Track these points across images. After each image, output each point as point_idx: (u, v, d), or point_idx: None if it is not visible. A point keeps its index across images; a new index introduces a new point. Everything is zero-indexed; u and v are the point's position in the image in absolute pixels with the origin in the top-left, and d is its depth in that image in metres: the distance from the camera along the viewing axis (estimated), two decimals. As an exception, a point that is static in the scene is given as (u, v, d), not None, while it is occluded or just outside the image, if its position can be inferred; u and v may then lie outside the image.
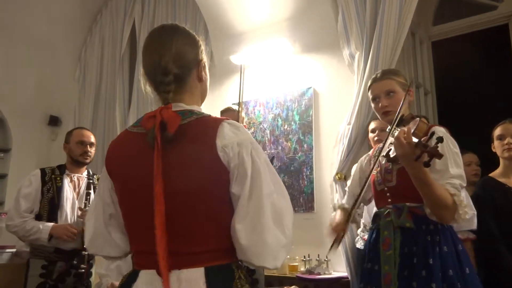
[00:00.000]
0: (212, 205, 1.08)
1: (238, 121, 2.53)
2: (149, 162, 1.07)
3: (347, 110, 3.19)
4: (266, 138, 3.71)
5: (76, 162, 2.78)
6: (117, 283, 2.18)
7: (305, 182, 3.44)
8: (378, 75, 1.84)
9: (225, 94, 4.00)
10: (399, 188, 1.68)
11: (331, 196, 3.26)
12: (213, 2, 3.87)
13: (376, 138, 2.78)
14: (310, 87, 3.54)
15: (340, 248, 3.07)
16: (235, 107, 2.72)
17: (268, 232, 1.04)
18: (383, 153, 1.74)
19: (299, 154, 3.52)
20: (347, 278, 2.99)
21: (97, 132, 4.71)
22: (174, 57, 1.14)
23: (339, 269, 3.12)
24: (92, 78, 5.04)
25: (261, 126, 3.74)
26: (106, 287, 2.29)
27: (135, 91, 4.55)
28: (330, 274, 3.09)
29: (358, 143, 3.12)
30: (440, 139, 1.37)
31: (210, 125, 1.12)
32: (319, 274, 3.04)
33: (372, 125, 2.90)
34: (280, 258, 1.07)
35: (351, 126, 3.11)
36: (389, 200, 1.72)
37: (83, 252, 2.58)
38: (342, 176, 3.16)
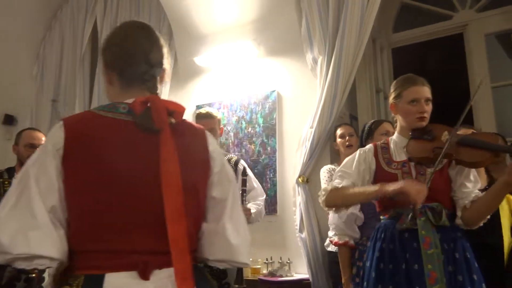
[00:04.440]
0: (198, 204, 1.11)
1: (216, 126, 2.54)
2: (144, 150, 1.03)
3: (310, 114, 3.24)
4: (230, 141, 3.70)
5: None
6: None
7: (269, 185, 3.45)
8: (415, 79, 1.86)
9: (189, 95, 3.96)
10: (432, 190, 1.70)
11: (293, 199, 3.29)
12: (177, 2, 3.82)
13: (347, 144, 2.87)
14: (274, 90, 3.57)
15: (302, 250, 3.11)
16: (215, 113, 2.69)
17: (246, 231, 1.15)
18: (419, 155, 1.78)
19: (263, 157, 3.53)
20: (309, 280, 3.02)
21: (56, 133, 4.56)
22: (161, 52, 1.17)
23: (301, 271, 3.15)
24: (50, 77, 4.87)
25: (225, 129, 3.73)
26: None
27: (96, 91, 4.43)
28: (292, 276, 3.11)
29: (320, 146, 3.18)
30: None
31: (197, 127, 1.19)
32: (281, 276, 3.06)
33: (340, 131, 2.97)
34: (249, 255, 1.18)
35: (314, 129, 3.16)
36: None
37: None
38: (304, 179, 3.20)
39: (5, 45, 4.76)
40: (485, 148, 1.70)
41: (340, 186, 1.85)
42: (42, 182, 0.96)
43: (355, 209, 2.44)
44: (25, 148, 2.65)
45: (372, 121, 2.68)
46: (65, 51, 4.87)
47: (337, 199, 1.84)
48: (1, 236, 0.91)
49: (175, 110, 1.09)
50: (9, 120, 4.93)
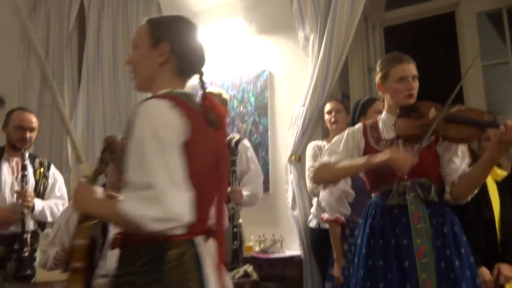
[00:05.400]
0: None
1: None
2: (212, 138, 1.22)
3: (302, 92, 3.22)
4: (222, 120, 3.68)
5: (14, 146, 2.60)
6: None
7: (261, 163, 3.44)
8: (401, 57, 1.87)
9: (179, 74, 3.92)
10: (420, 166, 1.73)
11: (285, 177, 3.30)
12: (167, -21, 3.75)
13: (333, 120, 2.86)
14: (266, 69, 3.54)
15: (294, 227, 3.14)
16: (215, 91, 2.65)
17: None
18: (409, 132, 1.79)
19: (255, 136, 3.53)
20: (300, 256, 3.06)
21: (44, 113, 4.48)
22: None
23: (293, 247, 3.19)
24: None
25: (216, 108, 3.71)
26: (55, 258, 2.07)
27: (85, 70, 4.35)
28: (284, 253, 3.15)
29: (312, 124, 3.18)
30: None
31: None
32: (273, 253, 3.10)
33: (328, 107, 2.96)
34: None
35: (306, 107, 3.15)
36: (405, 177, 1.76)
37: (25, 236, 2.45)
38: (297, 157, 3.21)
39: (-11, 24, 4.64)
40: (471, 124, 1.71)
41: (328, 162, 1.87)
42: (179, 162, 1.08)
43: (346, 186, 2.46)
44: (14, 130, 2.57)
45: (366, 98, 2.67)
46: (51, 30, 4.73)
47: (326, 175, 1.88)
48: (176, 205, 1.03)
49: (224, 114, 1.28)
50: (-4, 100, 4.83)
